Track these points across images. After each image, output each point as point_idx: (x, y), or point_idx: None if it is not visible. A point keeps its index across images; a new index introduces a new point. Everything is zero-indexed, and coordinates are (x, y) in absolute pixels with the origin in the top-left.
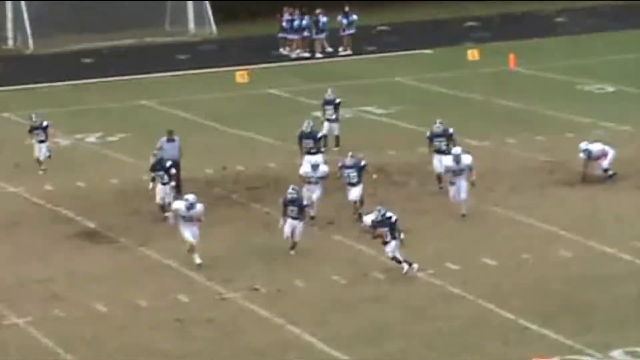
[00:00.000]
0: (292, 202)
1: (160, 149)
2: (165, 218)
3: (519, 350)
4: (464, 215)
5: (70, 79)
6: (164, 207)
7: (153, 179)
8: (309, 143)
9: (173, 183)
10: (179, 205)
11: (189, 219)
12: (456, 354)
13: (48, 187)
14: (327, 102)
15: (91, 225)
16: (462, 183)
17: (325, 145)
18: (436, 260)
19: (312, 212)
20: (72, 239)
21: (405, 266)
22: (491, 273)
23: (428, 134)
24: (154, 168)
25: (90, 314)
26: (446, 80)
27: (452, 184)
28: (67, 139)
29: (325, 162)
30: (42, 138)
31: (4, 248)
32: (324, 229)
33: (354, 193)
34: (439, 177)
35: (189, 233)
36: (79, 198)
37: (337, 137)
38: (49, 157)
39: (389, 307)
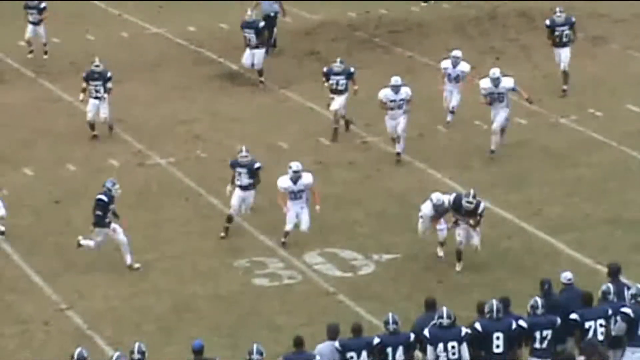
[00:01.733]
0: None
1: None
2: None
3: None
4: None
5: None
6: (93, 125)
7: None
8: None
9: (106, 96)
10: (284, 182)
11: (297, 196)
12: (598, 201)
13: (191, 28)
14: None
15: (234, 67)
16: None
17: None
18: (579, 106)
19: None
20: (215, 80)
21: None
22: (635, 120)
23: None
24: (86, 78)
25: (232, 155)
26: None
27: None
28: None
29: None
30: None
31: (148, 89)
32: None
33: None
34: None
35: (293, 214)
36: (222, 39)
37: None
38: None
39: (531, 153)
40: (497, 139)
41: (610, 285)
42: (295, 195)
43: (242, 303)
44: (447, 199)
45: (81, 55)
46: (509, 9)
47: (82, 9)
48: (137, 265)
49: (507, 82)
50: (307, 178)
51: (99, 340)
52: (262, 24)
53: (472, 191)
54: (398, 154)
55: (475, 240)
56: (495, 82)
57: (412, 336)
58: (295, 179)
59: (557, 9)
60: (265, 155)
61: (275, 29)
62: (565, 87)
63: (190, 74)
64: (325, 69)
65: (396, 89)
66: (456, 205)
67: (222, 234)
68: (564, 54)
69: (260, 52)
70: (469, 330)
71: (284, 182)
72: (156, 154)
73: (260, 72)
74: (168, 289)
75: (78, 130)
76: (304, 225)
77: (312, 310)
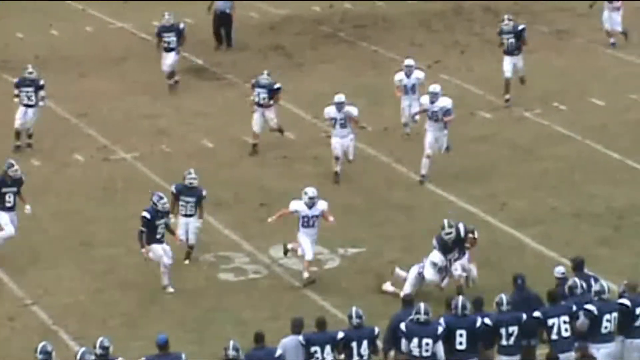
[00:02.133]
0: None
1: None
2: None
3: (626, 190)
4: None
5: None
6: (19, 134)
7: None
8: None
9: (42, 104)
10: (297, 205)
11: (310, 223)
12: (563, 194)
13: (155, 23)
14: None
15: (199, 61)
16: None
17: None
18: (544, 100)
19: None
20: (179, 74)
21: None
22: (599, 113)
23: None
24: (18, 84)
25: (197, 150)
26: None
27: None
28: None
29: None
30: None
31: (113, 84)
32: (432, 67)
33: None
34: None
35: (308, 243)
36: (187, 34)
37: None
38: None
39: (495, 147)
40: (429, 164)
41: (576, 279)
42: (308, 221)
43: (208, 298)
44: (440, 259)
45: (45, 50)
46: (473, 4)
47: (45, 4)
48: (171, 289)
49: (444, 102)
50: (322, 204)
51: (64, 335)
52: (182, 25)
53: (445, 221)
54: (335, 173)
55: (474, 272)
56: (433, 98)
57: (377, 330)
58: (310, 205)
59: (505, 16)
60: (230, 149)
61: (232, 26)
62: (508, 96)
63: (155, 69)
64: (253, 80)
65: (340, 106)
66: (442, 246)
67: (186, 261)
68: (517, 64)
69: (173, 55)
70: (444, 328)
71: (298, 205)
72: (121, 149)
73: (171, 74)
74: (133, 284)
75: (42, 125)
76: (310, 256)
77: (278, 304)
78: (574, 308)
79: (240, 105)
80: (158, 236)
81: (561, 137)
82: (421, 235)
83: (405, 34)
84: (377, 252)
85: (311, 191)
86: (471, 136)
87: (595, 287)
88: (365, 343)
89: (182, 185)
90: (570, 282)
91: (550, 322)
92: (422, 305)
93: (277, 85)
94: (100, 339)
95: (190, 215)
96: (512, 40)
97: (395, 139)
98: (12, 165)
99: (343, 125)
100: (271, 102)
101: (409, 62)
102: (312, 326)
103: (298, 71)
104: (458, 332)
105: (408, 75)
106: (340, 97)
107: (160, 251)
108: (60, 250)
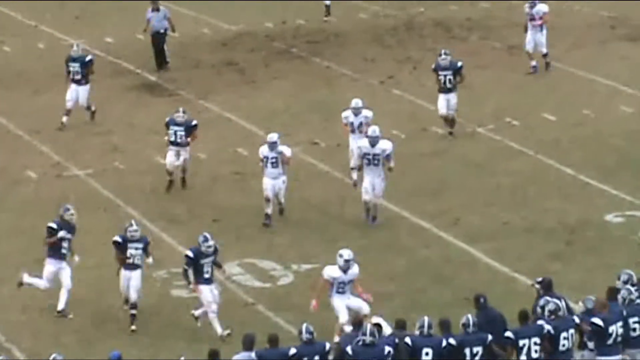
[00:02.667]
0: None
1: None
2: None
3: (578, 206)
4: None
5: None
6: None
7: None
8: None
9: None
10: (333, 272)
11: (345, 289)
12: (516, 209)
13: (108, 39)
14: None
15: (151, 77)
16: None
17: None
18: (496, 116)
19: None
20: (132, 91)
21: None
22: (551, 128)
23: (433, 66)
24: None
25: (150, 166)
26: None
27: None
28: None
29: None
30: None
31: (64, 100)
32: (385, 83)
33: None
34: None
35: (343, 306)
36: (139, 51)
37: None
38: None
39: (448, 162)
40: (375, 210)
41: (548, 298)
42: (343, 286)
43: (161, 314)
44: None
45: None
46: (426, 19)
47: None
48: (227, 332)
49: (385, 145)
50: (355, 269)
51: (17, 352)
52: (88, 58)
53: None
54: (266, 215)
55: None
56: (373, 141)
57: (328, 345)
58: (346, 268)
59: (442, 52)
60: None
61: (165, 46)
62: (451, 130)
63: (108, 85)
64: (167, 118)
65: (273, 145)
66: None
67: (132, 328)
68: (451, 101)
69: (85, 89)
70: (391, 350)
71: (334, 271)
72: (74, 166)
73: (88, 108)
74: (87, 300)
75: None
76: (345, 318)
77: (231, 321)
78: (546, 329)
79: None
80: (206, 275)
81: (514, 153)
82: (375, 250)
83: (358, 50)
84: None
85: (347, 254)
86: (424, 152)
87: (548, 306)
88: (316, 359)
89: (125, 238)
90: (541, 302)
91: (521, 342)
92: (367, 327)
93: (194, 122)
94: (53, 355)
95: (136, 267)
96: (450, 77)
97: (348, 155)
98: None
99: (274, 165)
100: (188, 139)
101: (356, 102)
102: (264, 342)
103: (251, 87)
104: (424, 350)
105: (356, 114)
106: (272, 137)
107: (209, 296)
108: (13, 267)
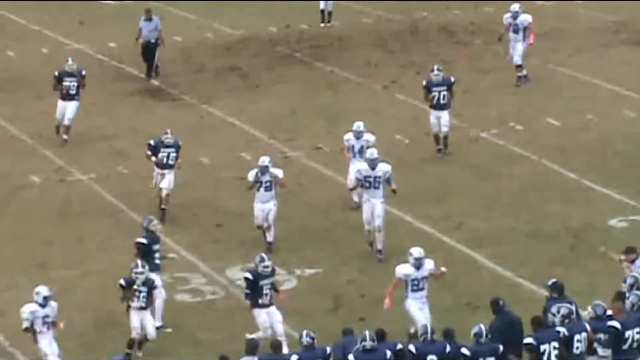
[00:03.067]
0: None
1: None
2: None
3: (582, 210)
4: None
5: None
6: None
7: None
8: None
9: None
10: (405, 269)
11: (420, 286)
12: (519, 214)
13: (111, 44)
14: None
15: (155, 82)
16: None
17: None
18: (500, 120)
19: None
20: (136, 95)
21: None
22: (555, 133)
23: (424, 82)
24: None
25: (153, 171)
26: None
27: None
28: None
29: None
30: None
31: None
32: (388, 88)
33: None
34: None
35: (417, 309)
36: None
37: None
38: None
39: (452, 167)
40: (382, 237)
41: (559, 305)
42: (418, 284)
43: (165, 319)
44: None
45: (1, 71)
46: (429, 24)
47: (1, 25)
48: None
49: (384, 167)
50: (430, 264)
51: (21, 357)
52: (83, 72)
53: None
54: (269, 243)
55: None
56: (372, 163)
57: (328, 350)
58: (417, 265)
59: (435, 67)
60: (187, 171)
61: (157, 56)
62: (445, 149)
63: (111, 90)
64: (152, 142)
65: (264, 169)
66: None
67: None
68: (443, 118)
69: (75, 105)
70: (392, 355)
71: (406, 269)
72: (77, 170)
73: (67, 128)
74: (90, 305)
75: None
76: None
77: (234, 326)
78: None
79: (197, 127)
80: (265, 298)
81: (517, 157)
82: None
83: (361, 54)
84: (333, 272)
85: (417, 252)
86: (427, 156)
87: (562, 310)
88: None
89: (131, 280)
90: (564, 311)
91: (542, 348)
92: (367, 333)
93: (179, 142)
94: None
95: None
96: (444, 92)
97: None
98: (152, 221)
99: (268, 189)
100: (179, 160)
101: (358, 126)
102: (267, 347)
103: (255, 92)
104: (429, 357)
105: (358, 138)
106: (264, 160)
107: (266, 321)
108: (16, 272)
